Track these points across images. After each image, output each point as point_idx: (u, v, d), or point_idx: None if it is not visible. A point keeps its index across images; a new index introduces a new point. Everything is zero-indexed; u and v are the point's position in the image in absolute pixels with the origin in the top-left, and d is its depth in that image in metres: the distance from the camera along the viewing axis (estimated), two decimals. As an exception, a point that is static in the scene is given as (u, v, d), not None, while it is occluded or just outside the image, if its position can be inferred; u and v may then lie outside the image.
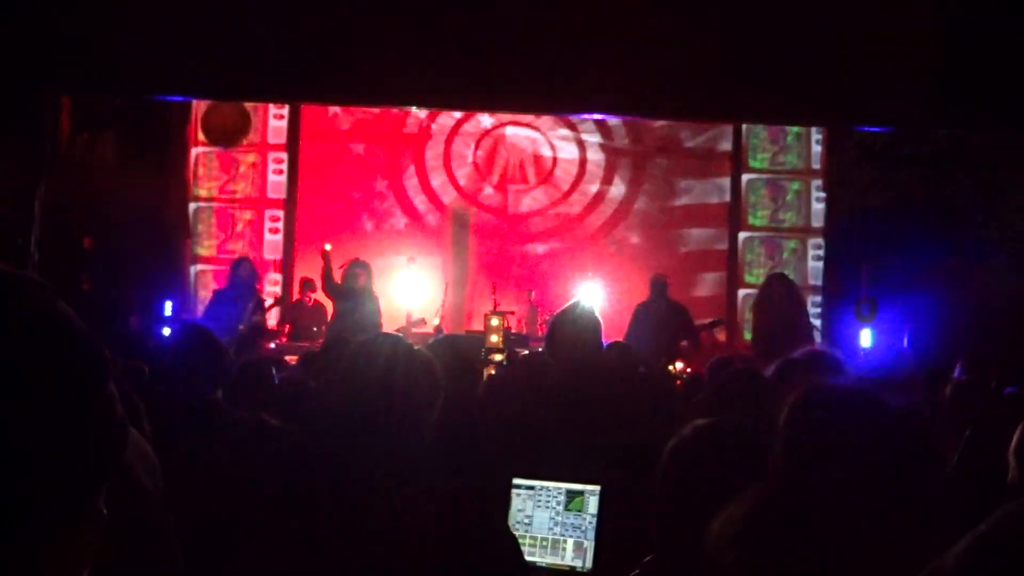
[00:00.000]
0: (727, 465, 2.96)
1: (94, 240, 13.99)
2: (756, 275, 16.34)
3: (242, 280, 14.40)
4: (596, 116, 15.64)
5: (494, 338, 12.39)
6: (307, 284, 15.23)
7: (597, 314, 5.57)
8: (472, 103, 14.14)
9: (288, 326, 15.20)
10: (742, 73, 11.21)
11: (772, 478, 2.70)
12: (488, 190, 17.24)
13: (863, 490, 2.45)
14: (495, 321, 13.33)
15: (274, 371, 6.81)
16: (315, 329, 14.53)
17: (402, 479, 3.08)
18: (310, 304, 15.09)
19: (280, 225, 17.14)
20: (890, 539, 2.37)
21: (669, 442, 3.26)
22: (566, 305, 5.76)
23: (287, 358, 10.05)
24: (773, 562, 2.52)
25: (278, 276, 17.04)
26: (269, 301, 15.09)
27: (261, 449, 4.57)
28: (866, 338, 13.73)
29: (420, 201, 17.24)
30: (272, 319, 15.25)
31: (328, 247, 14.26)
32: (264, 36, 10.82)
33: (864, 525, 2.42)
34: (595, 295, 14.44)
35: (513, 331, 13.62)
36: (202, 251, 16.95)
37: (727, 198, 17.07)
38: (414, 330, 14.19)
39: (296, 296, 15.84)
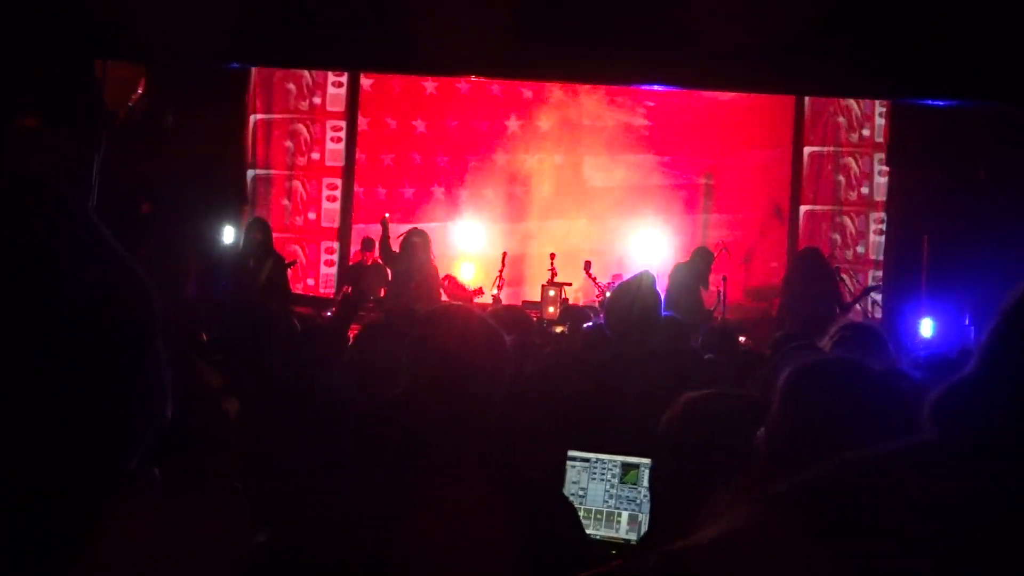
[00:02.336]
0: (719, 438, 2.91)
1: (152, 207, 14.06)
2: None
3: (256, 241, 14.13)
4: (656, 87, 15.52)
5: (551, 309, 12.35)
6: (367, 244, 15.14)
7: (657, 288, 5.53)
8: (531, 74, 14.06)
9: (348, 289, 15.16)
10: (804, 45, 11.08)
11: (765, 453, 2.66)
12: (557, 159, 17.16)
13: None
14: (552, 292, 13.32)
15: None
16: (372, 298, 14.54)
17: (468, 450, 3.05)
18: (369, 264, 14.98)
19: (337, 193, 17.17)
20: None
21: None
22: (626, 278, 5.72)
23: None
24: (849, 530, 2.48)
25: (335, 244, 17.08)
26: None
27: (322, 416, 4.56)
28: (926, 324, 13.55)
29: (481, 171, 17.20)
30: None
31: (387, 216, 14.27)
32: (320, 4, 10.80)
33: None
34: (655, 267, 14.36)
35: (570, 302, 13.58)
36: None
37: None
38: (474, 300, 14.18)
39: (356, 258, 15.83)
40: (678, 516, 2.90)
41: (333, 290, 16.56)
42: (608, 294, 8.43)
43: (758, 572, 1.26)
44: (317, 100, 17.24)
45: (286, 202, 17.19)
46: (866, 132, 16.79)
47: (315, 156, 17.24)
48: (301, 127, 17.23)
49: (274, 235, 16.79)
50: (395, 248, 13.72)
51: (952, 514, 1.17)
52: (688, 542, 1.32)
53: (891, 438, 2.41)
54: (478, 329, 3.21)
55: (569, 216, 16.96)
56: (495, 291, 14.42)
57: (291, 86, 17.19)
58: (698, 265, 13.42)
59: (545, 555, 3.00)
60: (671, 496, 3.06)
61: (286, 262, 14.67)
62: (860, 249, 16.71)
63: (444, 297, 13.69)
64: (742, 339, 11.34)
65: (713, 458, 2.86)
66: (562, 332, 10.71)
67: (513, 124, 17.17)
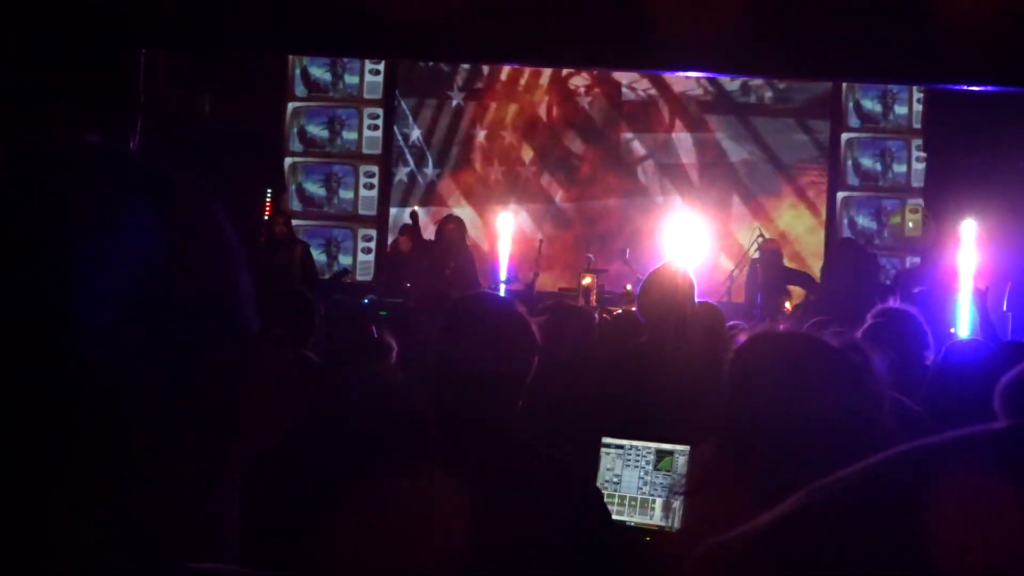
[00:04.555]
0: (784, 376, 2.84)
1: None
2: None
3: (283, 234, 14.08)
4: (693, 74, 15.46)
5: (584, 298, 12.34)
6: (404, 230, 15.06)
7: (690, 274, 5.54)
8: (568, 60, 14.03)
9: (382, 276, 15.20)
10: (842, 30, 11.02)
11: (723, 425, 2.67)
12: (596, 143, 17.13)
13: (802, 426, 2.42)
14: (588, 280, 13.30)
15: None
16: (408, 285, 14.55)
17: (492, 439, 3.07)
18: (407, 250, 14.88)
19: (375, 180, 17.20)
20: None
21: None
22: (658, 264, 5.73)
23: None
24: (724, 509, 2.48)
25: (372, 231, 17.13)
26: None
27: (348, 401, 4.59)
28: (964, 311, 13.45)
29: (518, 152, 17.19)
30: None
31: (416, 209, 14.31)
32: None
33: (805, 459, 2.37)
34: (689, 254, 14.34)
35: (607, 289, 13.57)
36: (296, 206, 17.06)
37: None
38: (508, 287, 14.18)
39: (392, 246, 15.84)
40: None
41: (371, 276, 16.60)
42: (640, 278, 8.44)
43: (814, 559, 1.23)
44: (354, 86, 17.26)
45: (323, 189, 17.23)
46: (903, 118, 16.69)
47: (352, 142, 17.27)
48: (338, 113, 17.27)
49: (311, 222, 16.89)
50: (427, 240, 13.74)
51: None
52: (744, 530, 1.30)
53: (838, 410, 2.42)
54: (505, 317, 3.24)
55: (608, 198, 16.92)
56: (530, 277, 14.39)
57: (328, 72, 17.21)
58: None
59: (573, 541, 3.02)
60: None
61: (341, 270, 14.73)
62: (897, 235, 16.63)
63: (480, 282, 13.71)
64: (780, 327, 11.28)
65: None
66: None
67: (551, 104, 17.16)
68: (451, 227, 13.56)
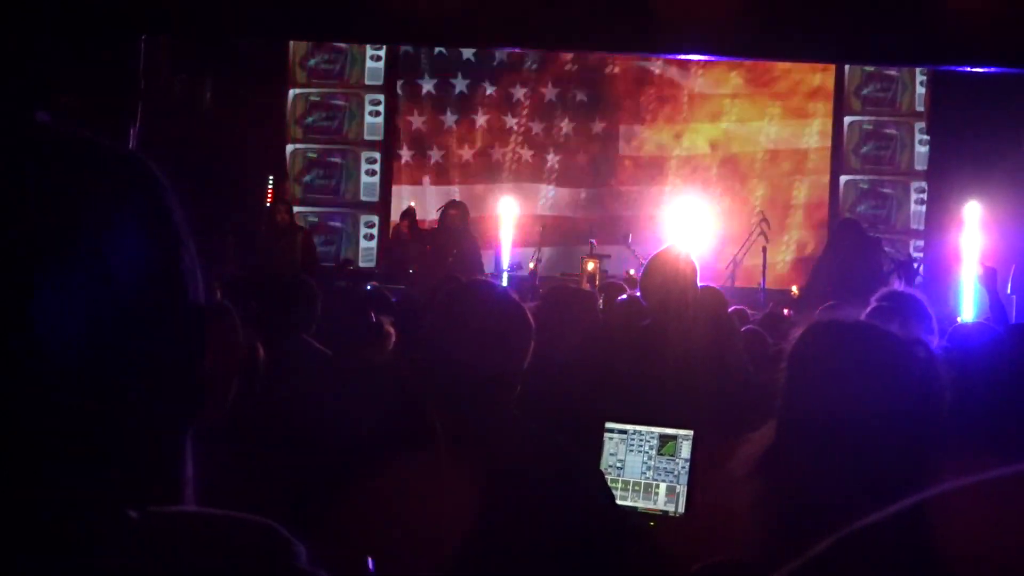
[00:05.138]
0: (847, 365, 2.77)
1: (192, 182, 14.06)
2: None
3: (285, 222, 14.07)
4: (697, 57, 15.41)
5: (588, 283, 12.32)
6: (405, 214, 14.97)
7: (692, 258, 5.52)
8: (569, 43, 14.00)
9: (383, 264, 15.20)
10: (844, 12, 11.00)
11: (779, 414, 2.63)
12: (596, 128, 17.10)
13: (862, 420, 2.38)
14: (591, 265, 13.29)
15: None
16: (411, 271, 14.54)
17: (492, 426, 3.06)
18: (410, 235, 14.81)
19: (377, 167, 17.18)
20: (891, 472, 2.30)
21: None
22: (660, 248, 5.71)
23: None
24: (784, 500, 2.46)
25: (374, 218, 17.12)
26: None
27: (348, 388, 4.59)
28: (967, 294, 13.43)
29: (521, 137, 17.16)
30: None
31: (413, 205, 14.30)
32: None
33: (861, 453, 2.35)
34: (693, 238, 14.32)
35: (610, 274, 13.55)
36: (299, 193, 17.05)
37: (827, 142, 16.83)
38: (511, 272, 14.17)
39: (395, 232, 15.83)
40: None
41: (374, 263, 16.59)
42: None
43: None
44: (355, 73, 17.23)
45: (325, 176, 17.21)
46: (906, 101, 16.66)
47: (354, 129, 17.25)
48: (340, 100, 17.24)
49: (313, 209, 16.88)
50: (430, 226, 13.76)
51: None
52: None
53: (902, 407, 2.38)
54: (497, 306, 3.23)
55: (608, 185, 16.89)
56: (531, 264, 14.37)
57: (329, 60, 17.18)
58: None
59: (577, 526, 3.01)
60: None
61: (345, 262, 14.74)
62: (901, 218, 16.60)
63: (485, 267, 13.71)
64: (785, 311, 11.28)
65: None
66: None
67: (550, 91, 17.12)
68: (453, 213, 13.53)
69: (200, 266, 1.05)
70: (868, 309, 5.18)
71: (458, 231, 13.38)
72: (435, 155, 17.21)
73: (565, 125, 17.07)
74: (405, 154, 17.21)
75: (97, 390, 0.94)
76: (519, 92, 17.15)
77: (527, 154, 17.07)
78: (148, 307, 0.98)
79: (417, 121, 17.24)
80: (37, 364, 0.92)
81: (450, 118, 17.21)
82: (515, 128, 17.13)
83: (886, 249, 14.17)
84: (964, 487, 1.21)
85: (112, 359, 0.95)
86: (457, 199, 14.39)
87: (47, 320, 0.92)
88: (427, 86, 17.24)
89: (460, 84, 17.23)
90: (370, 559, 2.55)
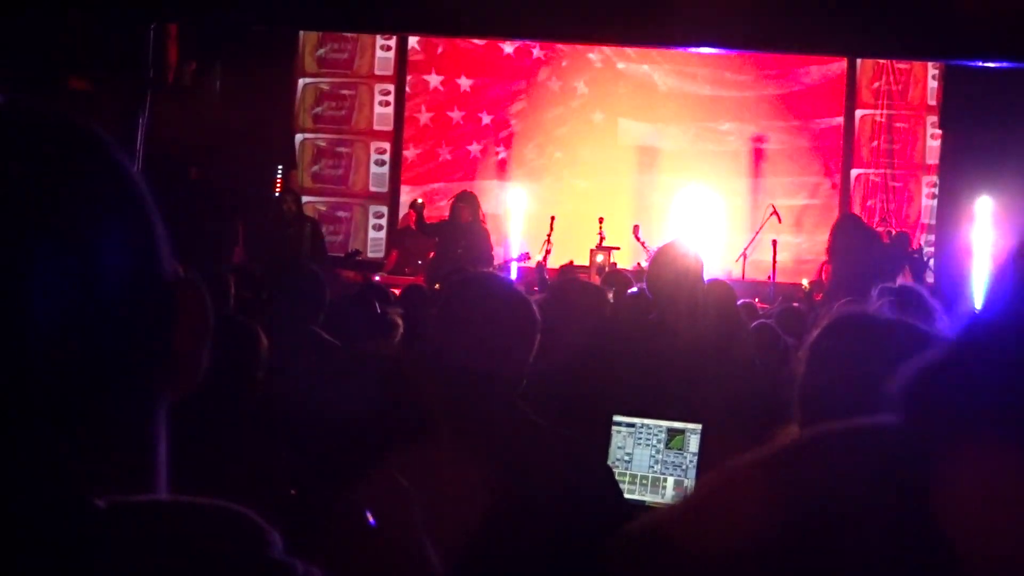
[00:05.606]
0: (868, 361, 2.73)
1: (200, 170, 14.08)
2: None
3: (291, 212, 14.06)
4: (706, 50, 15.37)
5: (597, 275, 12.30)
6: (413, 205, 14.96)
7: (698, 252, 5.50)
8: (580, 35, 13.95)
9: (395, 254, 15.18)
10: (856, 5, 10.96)
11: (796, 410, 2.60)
12: (598, 118, 17.06)
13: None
14: (600, 257, 13.26)
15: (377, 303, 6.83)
16: (419, 262, 14.54)
17: (497, 420, 3.05)
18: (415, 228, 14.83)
19: (386, 157, 17.16)
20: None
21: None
22: (666, 242, 5.69)
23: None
24: (798, 501, 2.43)
25: (383, 208, 17.10)
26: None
27: (361, 379, 4.56)
28: (978, 278, 13.41)
29: (527, 131, 17.13)
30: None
31: (420, 200, 14.29)
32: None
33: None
34: (699, 233, 14.29)
35: (619, 267, 13.52)
36: (307, 182, 17.04)
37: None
38: (519, 264, 14.16)
39: (403, 222, 15.82)
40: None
41: (382, 254, 16.58)
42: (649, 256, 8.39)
43: (715, 537, 1.31)
44: (365, 63, 17.21)
45: (334, 166, 17.20)
46: (918, 95, 16.61)
47: (363, 119, 17.23)
48: (349, 90, 17.22)
49: (322, 199, 16.87)
50: (439, 218, 13.77)
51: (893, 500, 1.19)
52: (665, 509, 1.43)
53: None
54: (502, 300, 3.21)
55: (617, 177, 16.85)
56: (539, 256, 14.33)
57: (339, 49, 17.16)
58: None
59: (585, 519, 2.99)
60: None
61: (353, 252, 14.76)
62: (911, 213, 16.56)
63: (495, 258, 13.70)
64: (795, 304, 11.24)
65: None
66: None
67: (554, 84, 17.09)
68: (461, 205, 13.52)
69: (165, 237, 1.04)
70: (871, 302, 5.15)
71: (466, 224, 13.36)
72: (443, 153, 17.18)
73: (572, 117, 17.05)
74: (411, 153, 17.20)
75: (68, 369, 0.93)
76: (522, 84, 17.12)
77: (536, 148, 17.05)
78: (122, 283, 0.96)
79: (424, 117, 17.22)
80: (7, 343, 0.90)
81: (457, 114, 17.18)
82: (520, 121, 17.10)
83: (894, 243, 14.13)
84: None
85: (85, 336, 0.94)
86: (466, 190, 14.37)
87: (19, 300, 0.90)
88: (434, 81, 17.22)
89: (464, 83, 17.20)
90: (369, 513, 2.53)
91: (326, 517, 2.74)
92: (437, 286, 10.02)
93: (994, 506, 1.12)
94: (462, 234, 13.25)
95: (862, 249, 11.52)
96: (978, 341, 1.19)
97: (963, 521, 1.12)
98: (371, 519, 2.55)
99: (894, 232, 14.99)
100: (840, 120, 16.75)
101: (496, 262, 13.65)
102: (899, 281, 11.58)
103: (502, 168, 17.02)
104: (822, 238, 15.96)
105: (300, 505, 3.00)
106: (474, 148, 17.14)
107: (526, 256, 14.44)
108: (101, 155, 1.00)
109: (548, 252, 14.45)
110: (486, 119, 17.14)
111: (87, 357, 0.94)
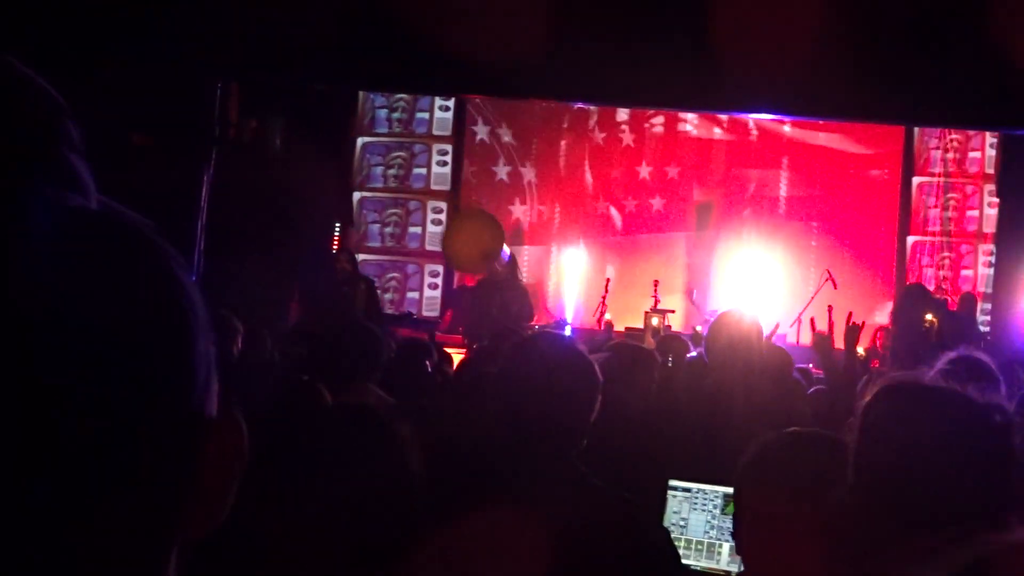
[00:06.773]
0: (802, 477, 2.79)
1: (259, 227, 14.20)
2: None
3: (345, 271, 14.13)
4: (761, 116, 15.40)
5: (652, 338, 12.27)
6: None
7: (757, 318, 5.51)
8: (640, 101, 14.00)
9: (450, 313, 15.22)
10: (912, 73, 10.95)
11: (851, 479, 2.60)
12: (670, 173, 17.07)
13: (936, 482, 2.35)
14: (655, 320, 13.23)
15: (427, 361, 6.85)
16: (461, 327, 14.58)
17: (557, 480, 3.06)
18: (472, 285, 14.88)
19: (443, 216, 17.25)
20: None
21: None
22: (725, 309, 5.71)
23: (448, 350, 9.87)
24: (850, 564, 2.44)
25: (439, 267, 17.16)
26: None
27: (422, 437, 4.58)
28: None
29: (583, 192, 17.18)
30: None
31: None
32: (427, 29, 10.86)
33: (929, 515, 2.32)
34: (758, 297, 14.25)
35: (674, 330, 13.49)
36: (364, 240, 17.14)
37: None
38: (574, 326, 14.14)
39: (459, 281, 15.87)
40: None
41: (437, 312, 16.63)
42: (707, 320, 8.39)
43: None
44: (424, 121, 17.35)
45: (391, 225, 17.30)
46: (976, 163, 16.55)
47: (421, 178, 17.35)
48: (407, 150, 17.36)
49: (379, 258, 16.97)
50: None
51: None
52: None
53: (977, 470, 2.35)
54: (566, 357, 3.22)
55: (672, 237, 16.85)
56: (596, 316, 14.30)
57: (398, 109, 17.32)
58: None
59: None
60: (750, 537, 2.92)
61: (406, 313, 14.85)
62: (969, 282, 16.45)
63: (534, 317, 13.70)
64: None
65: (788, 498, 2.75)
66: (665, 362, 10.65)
67: (600, 136, 17.16)
68: (495, 262, 13.50)
69: (216, 361, 0.94)
70: (936, 370, 5.13)
71: (501, 281, 13.32)
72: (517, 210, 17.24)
73: (629, 173, 17.08)
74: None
75: (79, 499, 0.85)
76: (577, 140, 17.21)
77: (591, 204, 17.09)
78: (141, 403, 0.88)
79: (482, 174, 17.33)
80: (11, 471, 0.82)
81: (529, 171, 17.27)
82: (571, 180, 17.16)
83: (960, 306, 14.05)
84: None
85: (93, 463, 0.85)
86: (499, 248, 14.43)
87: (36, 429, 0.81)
88: (506, 135, 17.30)
89: (534, 139, 17.31)
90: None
91: None
92: (475, 345, 10.05)
93: None
94: (497, 291, 13.18)
95: (923, 320, 11.48)
96: None
97: None
98: None
99: (957, 297, 14.93)
100: (897, 186, 16.70)
101: (533, 320, 13.60)
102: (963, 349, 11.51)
103: (555, 227, 17.07)
104: (876, 304, 15.91)
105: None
106: (525, 208, 17.20)
107: (570, 322, 14.42)
108: (143, 255, 0.91)
109: (603, 314, 14.43)
110: (528, 174, 17.19)
111: (100, 488, 0.86)
